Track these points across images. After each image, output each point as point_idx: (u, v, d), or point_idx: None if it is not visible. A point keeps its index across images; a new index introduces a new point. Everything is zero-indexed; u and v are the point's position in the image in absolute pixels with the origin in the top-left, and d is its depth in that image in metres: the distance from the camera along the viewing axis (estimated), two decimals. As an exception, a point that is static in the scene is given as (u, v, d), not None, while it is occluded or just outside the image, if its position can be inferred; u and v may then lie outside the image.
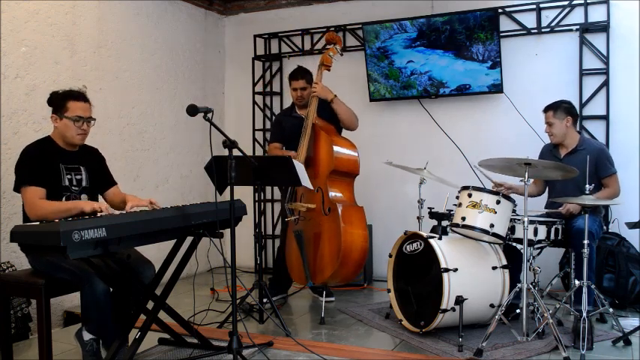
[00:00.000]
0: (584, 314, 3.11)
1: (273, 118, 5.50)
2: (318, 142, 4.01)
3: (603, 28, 4.45)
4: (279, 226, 5.24)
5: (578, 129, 4.40)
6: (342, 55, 4.24)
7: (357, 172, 4.09)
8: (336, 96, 4.09)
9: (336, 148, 3.94)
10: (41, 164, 2.88)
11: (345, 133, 4.26)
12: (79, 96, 2.99)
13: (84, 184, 3.05)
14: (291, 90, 4.31)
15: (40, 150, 2.93)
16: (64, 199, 2.93)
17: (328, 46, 4.19)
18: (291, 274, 4.18)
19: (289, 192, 4.14)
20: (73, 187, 3.00)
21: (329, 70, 4.15)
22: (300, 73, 4.24)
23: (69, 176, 2.99)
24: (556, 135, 3.81)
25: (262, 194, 5.68)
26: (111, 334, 2.82)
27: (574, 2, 4.54)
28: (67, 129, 2.96)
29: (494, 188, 3.75)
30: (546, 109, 3.84)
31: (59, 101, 2.96)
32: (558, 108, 3.79)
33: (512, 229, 3.48)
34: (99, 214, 2.65)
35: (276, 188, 5.58)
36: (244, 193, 4.89)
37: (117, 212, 2.77)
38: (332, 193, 3.92)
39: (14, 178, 2.90)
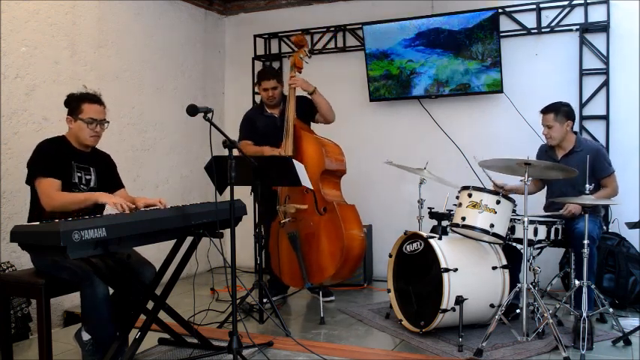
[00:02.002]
0: (584, 314, 3.11)
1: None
2: (304, 142, 4.01)
3: (603, 28, 4.45)
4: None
5: (578, 129, 4.41)
6: (310, 57, 4.25)
7: (345, 171, 4.12)
8: (316, 88, 4.10)
9: (325, 149, 3.96)
10: (55, 159, 2.92)
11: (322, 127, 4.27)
12: (94, 98, 3.05)
13: (92, 184, 3.08)
14: (260, 90, 4.25)
15: (55, 146, 2.97)
16: None
17: (297, 49, 4.21)
18: (282, 277, 4.14)
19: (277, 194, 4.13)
20: (82, 185, 3.03)
21: (300, 72, 4.16)
22: (271, 73, 4.23)
23: (79, 174, 3.02)
24: (555, 138, 3.79)
25: (262, 194, 5.67)
26: (109, 335, 2.82)
27: (574, 2, 4.54)
28: (80, 130, 3.00)
29: (495, 188, 3.74)
30: (546, 111, 3.78)
31: (75, 103, 3.00)
32: (559, 111, 3.74)
33: (512, 229, 3.48)
34: (112, 207, 2.68)
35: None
36: (244, 193, 4.89)
37: (132, 206, 2.81)
38: (325, 193, 3.93)
39: (26, 172, 2.93)
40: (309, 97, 4.13)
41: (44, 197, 2.82)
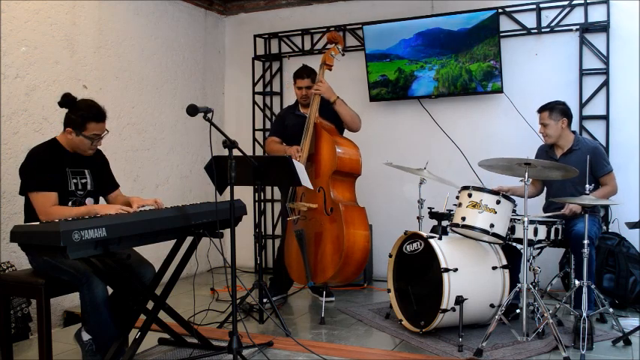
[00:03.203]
0: (584, 314, 3.11)
1: (274, 115, 5.51)
2: (321, 141, 4.00)
3: (603, 28, 4.45)
4: (280, 226, 5.24)
5: (578, 129, 4.41)
6: (343, 54, 4.22)
7: (359, 172, 4.09)
8: (338, 97, 4.08)
9: (338, 149, 3.93)
10: (49, 168, 2.87)
11: (347, 133, 4.26)
12: (100, 117, 2.97)
13: (89, 187, 3.06)
14: (295, 88, 4.29)
15: (48, 154, 2.92)
16: (69, 204, 2.93)
17: (329, 46, 4.19)
18: (291, 273, 4.17)
19: (290, 191, 4.14)
20: (79, 192, 3.00)
21: (330, 70, 4.15)
22: (306, 72, 4.23)
23: (74, 180, 2.99)
24: (551, 136, 3.82)
25: (262, 194, 5.68)
26: (109, 335, 2.82)
27: (574, 2, 4.54)
28: (82, 144, 2.96)
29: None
30: (541, 110, 3.83)
31: (79, 120, 2.92)
32: (554, 109, 3.78)
33: (512, 229, 3.48)
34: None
35: (276, 188, 5.58)
36: (244, 193, 4.89)
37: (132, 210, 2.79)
38: (334, 193, 3.92)
39: (20, 181, 2.88)
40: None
41: (42, 214, 2.77)
